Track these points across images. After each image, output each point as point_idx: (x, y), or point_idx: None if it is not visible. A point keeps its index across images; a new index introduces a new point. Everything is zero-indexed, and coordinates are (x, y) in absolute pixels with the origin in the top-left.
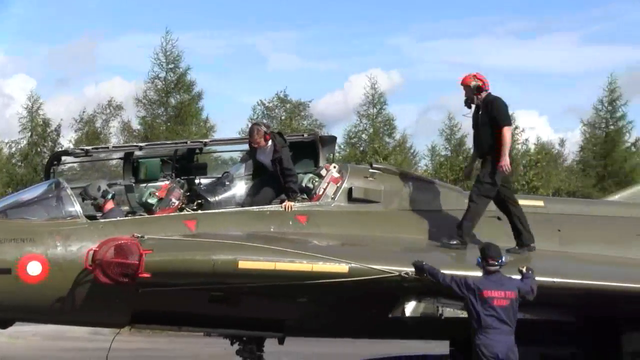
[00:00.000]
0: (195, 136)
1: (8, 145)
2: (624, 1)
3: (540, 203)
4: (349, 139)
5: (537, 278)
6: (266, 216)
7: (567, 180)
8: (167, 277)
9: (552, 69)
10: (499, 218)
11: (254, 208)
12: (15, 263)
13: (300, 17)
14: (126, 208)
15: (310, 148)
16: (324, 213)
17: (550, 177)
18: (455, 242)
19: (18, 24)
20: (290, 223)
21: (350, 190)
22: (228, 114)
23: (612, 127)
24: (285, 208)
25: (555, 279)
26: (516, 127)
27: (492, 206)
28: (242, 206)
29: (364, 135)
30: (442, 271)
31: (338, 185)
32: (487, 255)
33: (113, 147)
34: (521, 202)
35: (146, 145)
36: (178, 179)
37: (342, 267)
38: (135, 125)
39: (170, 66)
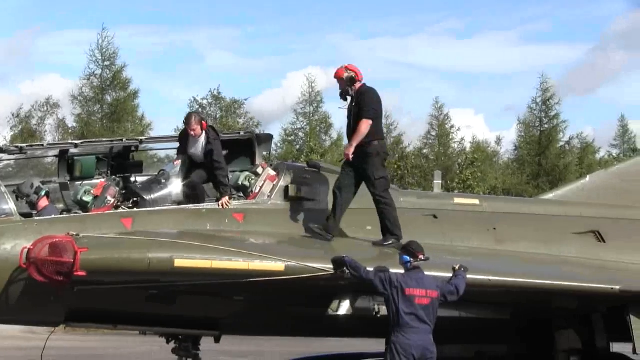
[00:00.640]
0: (131, 134)
1: None
2: (560, 0)
3: (476, 202)
4: (286, 137)
5: (473, 276)
6: (202, 214)
7: (502, 177)
8: (103, 275)
9: (489, 68)
10: (435, 216)
11: (190, 206)
12: None
13: (238, 14)
14: (61, 206)
15: (246, 146)
16: (260, 211)
17: (486, 176)
18: (391, 242)
19: None
20: (227, 221)
21: (286, 189)
22: (164, 112)
23: (546, 125)
24: (221, 205)
25: (490, 277)
26: (452, 127)
27: (430, 204)
28: (179, 204)
29: (300, 133)
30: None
31: (274, 183)
32: (416, 250)
33: (48, 144)
34: (456, 200)
35: (81, 142)
36: (114, 176)
37: (278, 266)
38: (71, 122)
39: (106, 63)
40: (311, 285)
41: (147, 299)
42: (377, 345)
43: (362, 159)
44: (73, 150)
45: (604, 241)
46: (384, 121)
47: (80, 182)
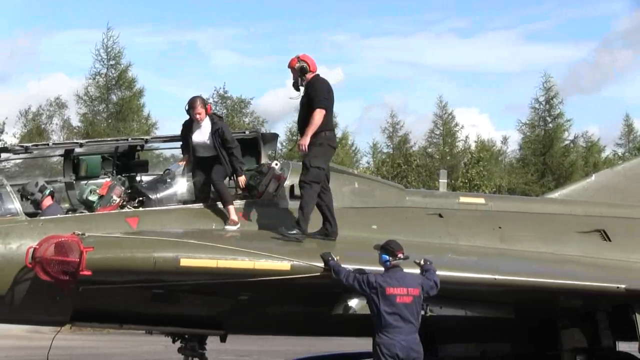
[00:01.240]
0: (137, 133)
1: None
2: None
3: (482, 200)
4: (291, 136)
5: (479, 275)
6: (208, 213)
7: (508, 177)
8: (109, 275)
9: (492, 67)
10: (440, 215)
11: (196, 206)
12: None
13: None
14: (67, 205)
15: (251, 145)
16: (266, 211)
17: (491, 175)
18: (294, 232)
19: None
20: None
21: (292, 188)
22: (170, 112)
23: (550, 125)
24: (240, 184)
25: (496, 276)
26: (456, 125)
27: (435, 203)
28: (187, 202)
29: None
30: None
31: (280, 182)
32: (395, 249)
33: (53, 144)
34: (462, 199)
35: (87, 142)
36: (119, 176)
37: (284, 265)
38: (76, 122)
39: (111, 63)
40: (317, 284)
41: (153, 299)
42: None
43: (308, 146)
44: (78, 150)
45: (609, 240)
46: (389, 120)
47: (85, 182)
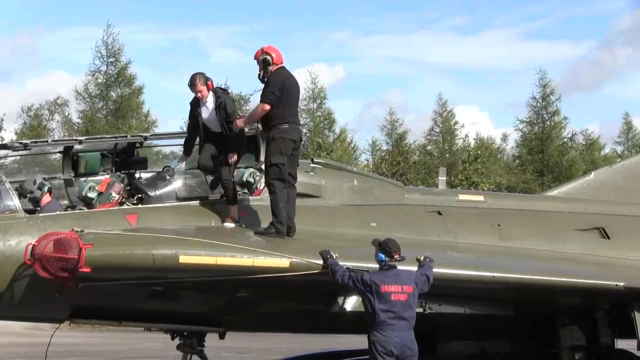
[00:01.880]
0: (136, 130)
1: None
2: None
3: (481, 198)
4: None
5: (478, 273)
6: (207, 211)
7: (506, 175)
8: (108, 271)
9: (493, 65)
10: (439, 212)
11: (195, 203)
12: None
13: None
14: (66, 202)
15: (251, 142)
16: (265, 208)
17: (490, 173)
18: (271, 230)
19: None
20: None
21: None
22: (170, 108)
23: (547, 122)
24: (230, 161)
25: (495, 274)
26: (456, 123)
27: (434, 201)
28: (186, 200)
29: (304, 130)
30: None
31: None
32: (393, 250)
33: (52, 141)
34: (461, 197)
35: (86, 139)
36: (118, 173)
37: (283, 262)
38: (75, 119)
39: (111, 60)
40: (316, 281)
41: (152, 295)
42: None
43: (266, 143)
44: (77, 147)
45: (608, 238)
46: (387, 118)
47: (84, 179)
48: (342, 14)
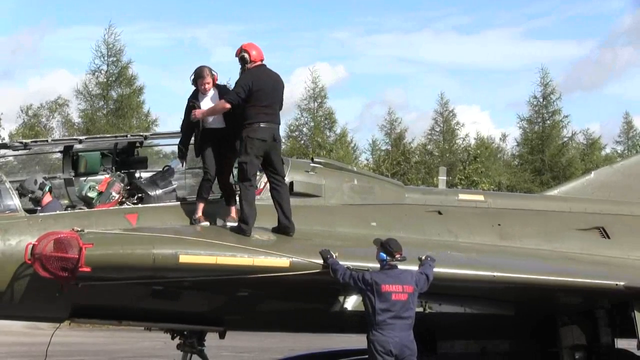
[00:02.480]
0: (136, 130)
1: None
2: None
3: (481, 198)
4: (290, 133)
5: (478, 272)
6: (207, 210)
7: (506, 174)
8: (108, 271)
9: (494, 64)
10: (439, 212)
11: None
12: None
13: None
14: (66, 202)
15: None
16: (265, 207)
17: (489, 172)
18: (235, 226)
19: None
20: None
21: (291, 184)
22: (170, 108)
23: (548, 122)
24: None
25: (495, 273)
26: (457, 122)
27: (434, 200)
28: (186, 199)
29: (304, 129)
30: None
31: None
32: (394, 250)
33: (52, 140)
34: (461, 196)
35: (86, 138)
36: (118, 172)
37: (283, 262)
38: (76, 118)
39: (112, 59)
40: (317, 281)
41: (152, 295)
42: None
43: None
44: (78, 146)
45: (608, 237)
46: (387, 117)
47: (84, 178)
48: (343, 13)
